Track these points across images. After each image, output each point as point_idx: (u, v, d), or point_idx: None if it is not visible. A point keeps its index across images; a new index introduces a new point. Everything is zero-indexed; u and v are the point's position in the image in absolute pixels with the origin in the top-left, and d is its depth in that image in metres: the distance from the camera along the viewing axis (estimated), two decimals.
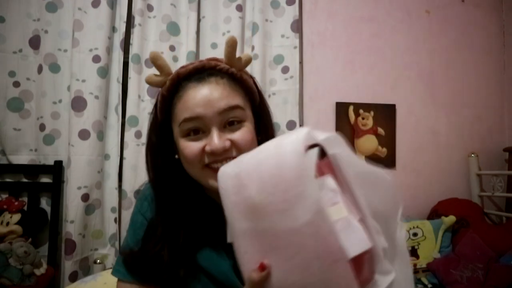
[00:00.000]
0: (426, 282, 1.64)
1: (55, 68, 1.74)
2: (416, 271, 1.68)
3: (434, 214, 1.94)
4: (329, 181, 0.44)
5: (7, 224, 1.54)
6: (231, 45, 0.60)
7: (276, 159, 0.44)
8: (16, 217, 1.56)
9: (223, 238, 0.49)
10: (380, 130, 2.04)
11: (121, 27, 1.78)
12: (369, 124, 2.02)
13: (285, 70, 1.93)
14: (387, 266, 0.45)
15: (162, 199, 0.66)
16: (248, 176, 0.46)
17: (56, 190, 1.69)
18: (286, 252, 0.42)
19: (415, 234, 1.79)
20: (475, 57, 2.18)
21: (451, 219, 1.79)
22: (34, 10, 1.74)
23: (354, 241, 0.41)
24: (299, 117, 1.95)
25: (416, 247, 1.76)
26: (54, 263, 1.64)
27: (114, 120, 1.79)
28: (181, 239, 0.62)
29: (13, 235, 1.53)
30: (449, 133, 2.14)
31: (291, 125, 1.90)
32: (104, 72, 1.74)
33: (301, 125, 1.96)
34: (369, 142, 2.02)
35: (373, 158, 2.01)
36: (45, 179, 1.72)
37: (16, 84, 1.71)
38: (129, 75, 1.77)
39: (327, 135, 0.46)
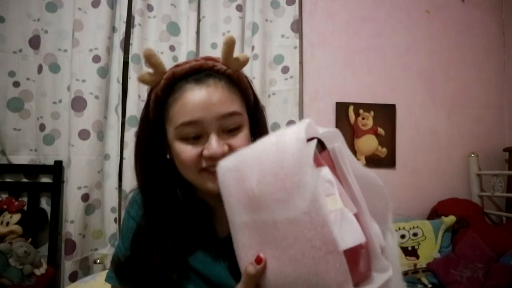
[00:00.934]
0: (426, 282, 1.64)
1: (55, 68, 1.74)
2: (416, 271, 1.68)
3: (434, 214, 1.94)
4: (326, 171, 0.44)
5: (7, 224, 1.55)
6: (229, 44, 0.59)
7: (277, 146, 0.44)
8: (16, 217, 1.56)
9: (216, 240, 0.49)
10: (380, 130, 2.04)
11: (121, 27, 1.78)
12: (369, 124, 2.02)
13: (285, 70, 1.93)
14: (385, 263, 0.44)
15: (151, 203, 0.64)
16: (248, 168, 0.46)
17: (56, 190, 1.69)
18: (282, 243, 0.42)
19: (415, 234, 1.79)
20: (475, 57, 2.18)
21: (451, 219, 1.79)
22: (34, 10, 1.74)
23: (349, 234, 0.41)
24: (299, 117, 1.95)
25: (416, 247, 1.76)
26: (54, 263, 1.64)
27: (114, 120, 1.79)
28: (170, 243, 0.61)
29: (13, 235, 1.53)
30: (449, 133, 2.14)
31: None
32: (104, 72, 1.74)
33: None
34: (369, 142, 2.02)
35: (373, 158, 2.01)
36: (45, 179, 1.73)
37: (16, 84, 1.71)
38: (129, 75, 1.78)
39: (328, 129, 0.47)
